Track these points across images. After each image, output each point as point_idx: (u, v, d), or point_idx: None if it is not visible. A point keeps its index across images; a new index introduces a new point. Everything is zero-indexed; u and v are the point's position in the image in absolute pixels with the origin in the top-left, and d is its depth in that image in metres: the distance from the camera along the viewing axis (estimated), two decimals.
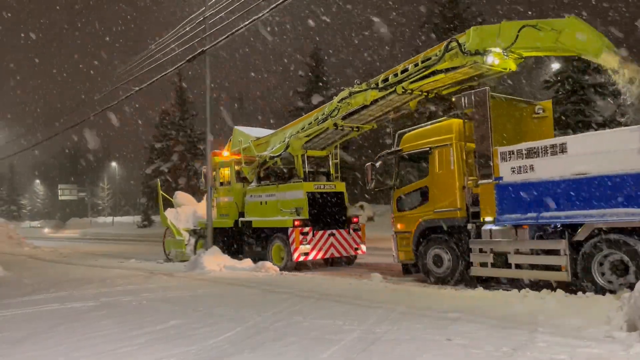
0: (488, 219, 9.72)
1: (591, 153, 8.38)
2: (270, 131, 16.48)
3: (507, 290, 9.08)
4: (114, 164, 79.33)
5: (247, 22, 13.63)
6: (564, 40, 9.18)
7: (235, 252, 15.55)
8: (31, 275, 14.42)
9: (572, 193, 8.55)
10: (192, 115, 50.44)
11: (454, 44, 10.39)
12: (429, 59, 11.02)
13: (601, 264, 8.37)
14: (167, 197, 19.61)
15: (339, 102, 13.32)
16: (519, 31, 9.54)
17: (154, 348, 5.83)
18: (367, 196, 36.72)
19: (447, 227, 10.63)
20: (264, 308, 7.97)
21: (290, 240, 13.73)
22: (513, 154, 9.32)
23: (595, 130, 26.21)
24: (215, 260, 13.93)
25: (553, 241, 8.96)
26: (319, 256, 14.09)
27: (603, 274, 8.37)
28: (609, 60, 9.18)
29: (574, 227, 8.71)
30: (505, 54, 10.18)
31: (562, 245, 8.74)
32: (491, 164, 9.58)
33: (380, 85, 12.12)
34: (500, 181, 9.46)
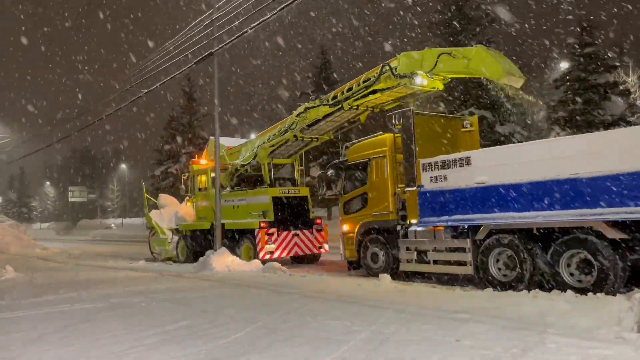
0: (413, 221, 11.11)
1: (488, 166, 9.77)
2: (243, 141, 17.97)
3: (517, 291, 9.04)
4: (123, 165, 79.78)
5: (255, 24, 13.65)
6: (473, 66, 10.49)
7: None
8: (42, 276, 14.53)
9: (474, 199, 9.91)
10: (203, 115, 50.54)
11: (386, 67, 11.81)
12: (369, 79, 12.41)
13: (498, 260, 9.75)
14: (152, 199, 21.32)
15: (296, 116, 14.67)
16: (437, 58, 10.94)
17: (164, 349, 5.86)
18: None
19: (381, 228, 12.14)
20: (272, 309, 7.99)
21: (257, 240, 15.07)
22: (431, 165, 10.70)
23: (605, 129, 26.10)
24: (223, 261, 13.99)
25: (460, 240, 10.38)
26: (284, 254, 15.40)
27: (500, 269, 9.73)
28: (512, 81, 10.51)
29: (476, 228, 10.05)
30: (429, 76, 11.58)
31: (467, 244, 10.19)
32: (415, 174, 10.98)
33: (331, 102, 13.54)
34: (422, 189, 10.84)
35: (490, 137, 28.43)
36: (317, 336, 6.15)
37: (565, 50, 30.36)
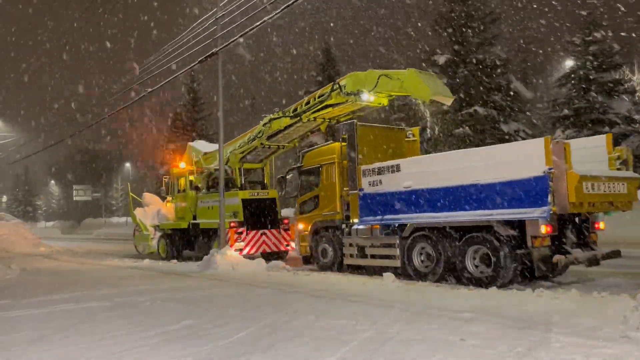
0: (355, 220, 12.52)
1: (413, 172, 11.24)
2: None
3: (522, 289, 9.00)
4: (127, 164, 79.86)
5: (258, 23, 13.65)
6: (406, 87, 11.95)
7: (189, 248, 18.89)
8: (46, 275, 14.58)
9: (401, 201, 11.41)
10: (208, 114, 50.55)
11: (336, 85, 13.10)
12: (323, 95, 13.63)
13: (420, 254, 11.25)
14: (137, 198, 22.66)
15: (262, 125, 15.74)
16: (378, 79, 12.23)
17: (168, 348, 5.86)
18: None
19: (330, 227, 13.57)
20: (276, 308, 7.98)
21: (227, 238, 16.17)
22: (370, 171, 12.12)
23: (610, 127, 26.01)
24: (228, 260, 14.00)
25: (391, 237, 11.84)
26: (252, 251, 16.41)
27: (422, 261, 11.23)
28: (441, 99, 12.08)
29: (403, 227, 11.54)
30: (373, 94, 12.73)
31: (396, 240, 11.63)
32: (356, 178, 12.34)
33: (291, 114, 14.69)
34: (362, 192, 12.25)
35: (495, 135, 28.43)
36: (321, 335, 6.13)
37: (569, 48, 30.25)
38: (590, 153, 10.37)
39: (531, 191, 9.15)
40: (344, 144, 12.93)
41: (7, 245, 28.23)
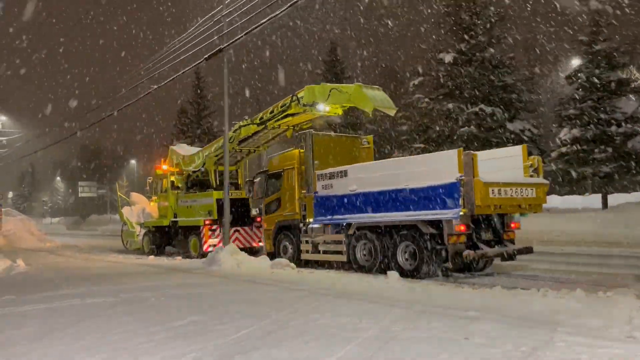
0: (310, 220, 13.89)
1: (358, 177, 12.53)
2: (197, 150, 20.51)
3: (526, 289, 8.99)
4: (133, 161, 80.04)
5: (264, 20, 13.66)
6: (353, 99, 12.98)
7: (169, 244, 20.44)
8: (52, 270, 14.64)
9: (348, 203, 12.72)
10: (212, 112, 50.61)
11: (294, 97, 14.17)
12: (285, 105, 14.65)
13: (363, 250, 12.66)
14: (124, 197, 24.34)
15: (233, 132, 16.83)
16: (329, 92, 13.28)
17: (173, 344, 5.87)
18: None
19: (290, 225, 14.90)
20: (281, 305, 7.99)
21: (202, 235, 17.86)
22: (323, 175, 13.48)
23: (617, 127, 25.86)
24: (232, 258, 14.02)
25: (338, 234, 13.22)
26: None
27: (364, 256, 12.65)
28: (384, 110, 13.00)
29: (348, 226, 12.90)
30: (327, 105, 13.82)
31: (342, 237, 13.04)
32: (312, 182, 13.71)
33: (258, 122, 15.79)
34: (316, 194, 13.60)
35: (500, 134, 28.34)
36: (325, 333, 6.14)
37: (575, 47, 30.10)
38: (508, 162, 11.97)
39: (447, 195, 10.54)
40: (302, 150, 14.36)
41: (12, 241, 28.38)
